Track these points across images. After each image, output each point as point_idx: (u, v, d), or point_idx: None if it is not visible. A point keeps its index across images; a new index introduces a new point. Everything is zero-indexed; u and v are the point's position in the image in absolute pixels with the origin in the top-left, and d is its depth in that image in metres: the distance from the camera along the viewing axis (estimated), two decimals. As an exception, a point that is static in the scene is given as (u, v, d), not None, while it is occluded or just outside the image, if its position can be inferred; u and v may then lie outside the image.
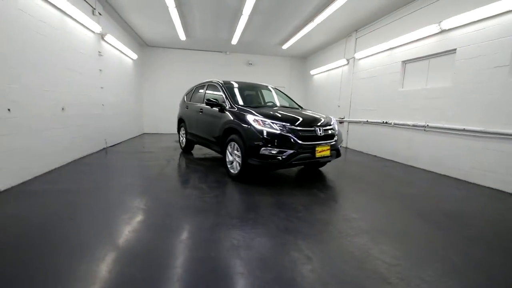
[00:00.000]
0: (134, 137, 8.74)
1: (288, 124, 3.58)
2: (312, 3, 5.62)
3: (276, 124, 3.55)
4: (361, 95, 7.23)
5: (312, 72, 10.19)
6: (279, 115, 3.75)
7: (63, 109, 4.47)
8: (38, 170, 3.87)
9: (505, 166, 3.80)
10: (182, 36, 8.07)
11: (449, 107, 4.65)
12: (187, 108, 5.98)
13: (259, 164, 3.50)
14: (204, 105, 5.04)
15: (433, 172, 4.86)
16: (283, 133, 3.48)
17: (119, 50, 7.24)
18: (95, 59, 5.73)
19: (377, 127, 6.54)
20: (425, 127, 5.10)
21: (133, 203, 2.93)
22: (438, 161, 4.81)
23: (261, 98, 5.24)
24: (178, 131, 6.60)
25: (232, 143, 3.95)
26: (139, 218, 2.56)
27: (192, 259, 1.90)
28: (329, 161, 4.19)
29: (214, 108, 4.51)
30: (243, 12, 6.04)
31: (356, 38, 7.43)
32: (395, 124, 5.90)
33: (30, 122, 3.65)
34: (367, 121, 6.88)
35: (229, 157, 4.06)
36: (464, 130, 4.33)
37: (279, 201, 3.14)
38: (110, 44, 6.57)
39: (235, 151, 3.89)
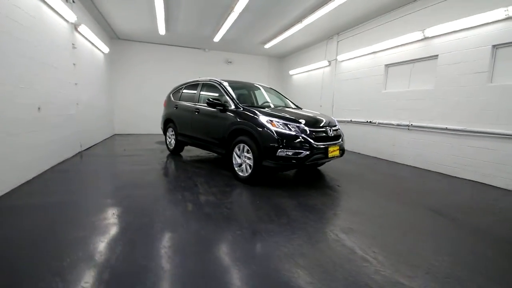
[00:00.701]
0: (106, 139, 7.97)
1: (302, 125, 3.58)
2: (304, 4, 5.69)
3: (290, 125, 3.53)
4: (345, 96, 7.57)
5: (291, 72, 10.37)
6: (292, 116, 3.73)
7: (39, 109, 3.87)
8: (16, 181, 3.30)
9: (482, 160, 4.31)
10: (161, 30, 7.56)
11: (432, 108, 5.11)
12: (176, 108, 5.63)
13: (274, 166, 3.45)
14: (201, 105, 4.82)
15: (418, 168, 5.30)
16: (298, 134, 3.48)
17: (91, 43, 6.52)
18: (69, 52, 5.06)
19: (361, 126, 6.91)
20: (409, 126, 5.53)
21: (144, 218, 2.63)
22: (423, 157, 5.27)
23: (261, 97, 5.14)
24: (165, 132, 6.19)
25: (241, 145, 3.82)
26: (162, 237, 2.33)
27: (253, 276, 1.78)
28: (330, 160, 4.29)
29: (215, 108, 4.32)
30: (235, 10, 5.87)
31: (338, 41, 7.75)
32: (379, 123, 6.30)
33: (6, 126, 3.08)
34: (351, 120, 7.23)
35: (237, 160, 3.92)
36: (446, 129, 4.80)
37: (301, 203, 3.13)
38: (83, 36, 5.87)
39: (245, 153, 3.77)
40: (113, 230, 2.29)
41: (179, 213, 2.76)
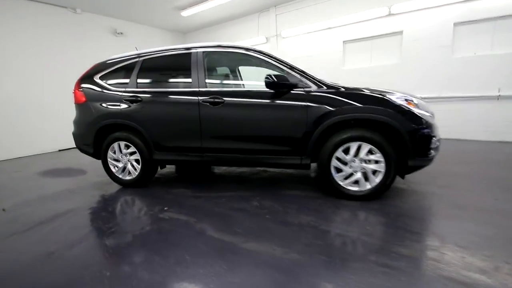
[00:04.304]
0: None
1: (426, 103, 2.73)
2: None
3: (422, 104, 2.60)
4: (293, 76, 7.05)
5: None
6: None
7: None
8: None
9: (452, 120, 5.22)
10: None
11: (399, 81, 5.60)
12: (137, 102, 2.97)
13: (423, 164, 2.43)
14: (223, 91, 2.78)
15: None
16: (432, 115, 2.61)
17: None
18: None
19: (320, 105, 6.73)
20: (378, 99, 5.87)
21: None
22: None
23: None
24: (101, 153, 3.20)
25: (353, 144, 2.42)
26: None
27: None
28: None
29: (274, 92, 2.56)
30: None
31: (277, 15, 6.97)
32: (344, 100, 6.34)
33: None
34: (307, 101, 6.88)
35: (344, 169, 2.50)
36: (420, 98, 5.42)
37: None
38: None
39: (363, 156, 2.42)
40: None
41: None
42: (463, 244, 1.74)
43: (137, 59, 3.11)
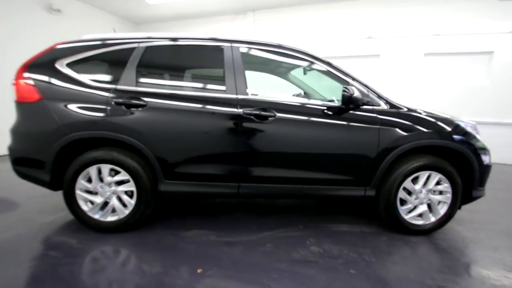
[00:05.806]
0: None
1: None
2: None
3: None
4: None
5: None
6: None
7: None
8: None
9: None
10: None
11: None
12: (139, 107, 2.01)
13: (482, 195, 2.32)
14: (277, 102, 2.18)
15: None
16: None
17: None
18: None
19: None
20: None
21: None
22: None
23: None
24: (69, 182, 2.03)
25: (423, 174, 2.14)
26: None
27: None
28: None
29: (344, 108, 2.12)
30: None
31: (255, 20, 6.55)
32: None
33: None
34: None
35: (410, 200, 2.18)
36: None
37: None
38: None
39: (431, 187, 2.17)
40: None
41: None
42: None
43: (136, 45, 2.15)
